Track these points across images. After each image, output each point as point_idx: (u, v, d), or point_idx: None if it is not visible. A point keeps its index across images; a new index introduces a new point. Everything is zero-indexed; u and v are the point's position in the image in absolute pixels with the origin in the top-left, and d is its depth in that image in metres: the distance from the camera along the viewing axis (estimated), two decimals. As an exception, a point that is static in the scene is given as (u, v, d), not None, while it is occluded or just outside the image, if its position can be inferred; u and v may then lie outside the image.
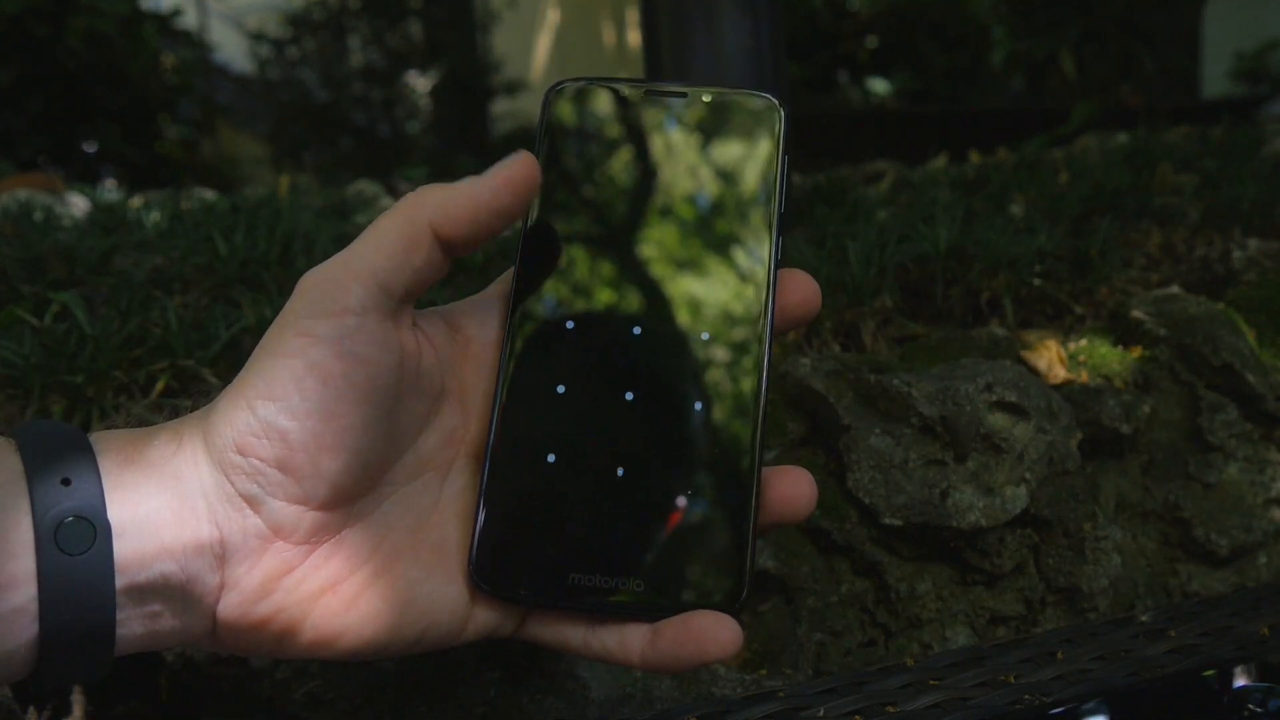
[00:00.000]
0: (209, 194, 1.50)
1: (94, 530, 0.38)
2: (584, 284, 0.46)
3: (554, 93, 0.48)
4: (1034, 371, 0.73)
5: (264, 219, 0.99)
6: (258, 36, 5.87)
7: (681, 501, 0.44)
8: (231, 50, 6.85)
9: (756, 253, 0.46)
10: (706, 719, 0.51)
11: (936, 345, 0.76)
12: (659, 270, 0.46)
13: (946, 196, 1.24)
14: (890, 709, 0.52)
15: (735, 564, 0.43)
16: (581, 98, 0.48)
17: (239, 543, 0.40)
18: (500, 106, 6.10)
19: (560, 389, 0.44)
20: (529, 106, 6.14)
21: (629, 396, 0.44)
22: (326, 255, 0.93)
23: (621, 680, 0.57)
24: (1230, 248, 0.93)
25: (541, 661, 0.56)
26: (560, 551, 0.43)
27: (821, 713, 0.51)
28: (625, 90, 0.48)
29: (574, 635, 0.44)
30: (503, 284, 0.48)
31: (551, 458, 0.44)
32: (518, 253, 0.46)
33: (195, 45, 5.42)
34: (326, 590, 0.41)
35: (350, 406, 0.40)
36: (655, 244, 0.46)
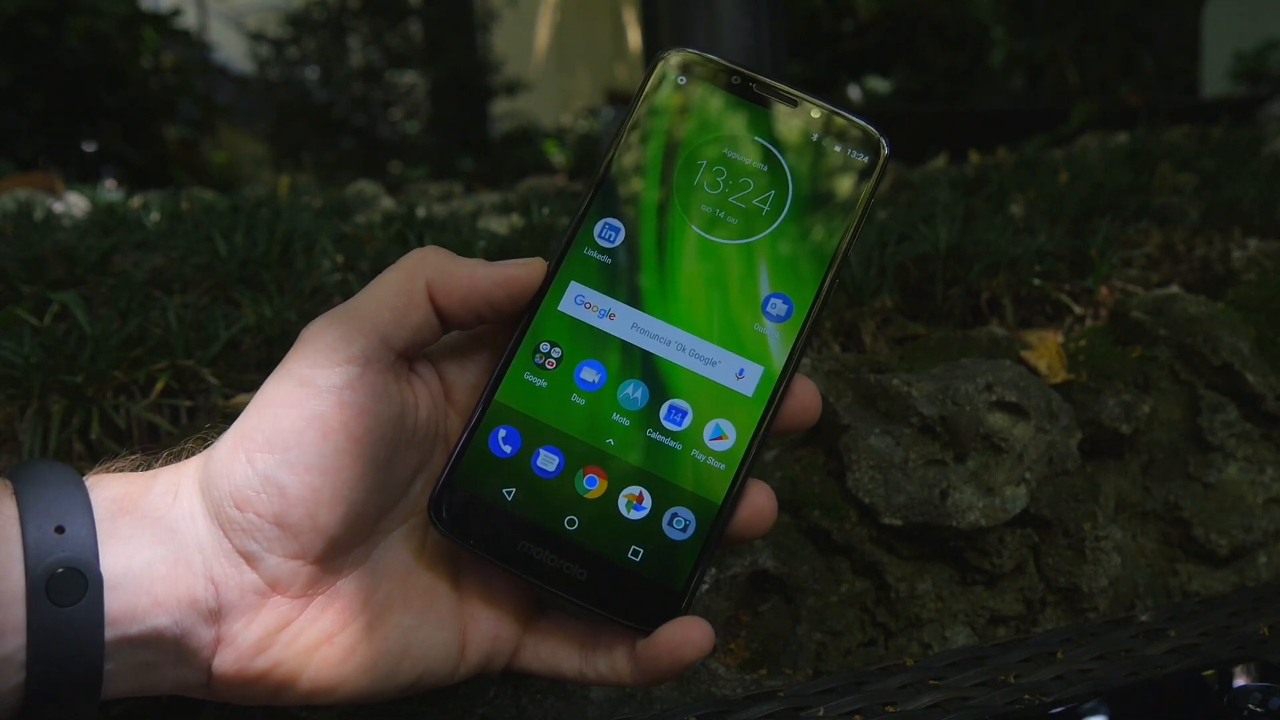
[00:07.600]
0: (209, 194, 1.50)
1: (85, 581, 0.37)
2: (615, 274, 0.45)
3: (663, 62, 0.47)
4: (1034, 371, 0.73)
5: (264, 219, 0.99)
6: (258, 36, 5.87)
7: (648, 504, 0.44)
8: (231, 50, 6.85)
9: (801, 291, 0.46)
10: (706, 719, 0.51)
11: (936, 345, 0.76)
12: (695, 277, 0.45)
13: (946, 196, 1.23)
14: (890, 709, 0.52)
15: (683, 577, 0.43)
16: (689, 71, 0.47)
17: (236, 599, 0.40)
18: (500, 106, 6.10)
19: (563, 374, 0.44)
20: (529, 106, 6.14)
21: (630, 391, 0.45)
22: (326, 255, 0.93)
23: (621, 680, 0.57)
24: (1230, 248, 0.93)
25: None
26: (517, 516, 0.43)
27: (821, 713, 0.51)
28: (736, 79, 0.47)
29: (569, 663, 0.45)
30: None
31: (537, 429, 0.44)
32: (583, 208, 0.46)
33: (195, 45, 5.42)
34: (323, 642, 0.41)
35: (349, 460, 0.40)
36: (701, 247, 0.46)
